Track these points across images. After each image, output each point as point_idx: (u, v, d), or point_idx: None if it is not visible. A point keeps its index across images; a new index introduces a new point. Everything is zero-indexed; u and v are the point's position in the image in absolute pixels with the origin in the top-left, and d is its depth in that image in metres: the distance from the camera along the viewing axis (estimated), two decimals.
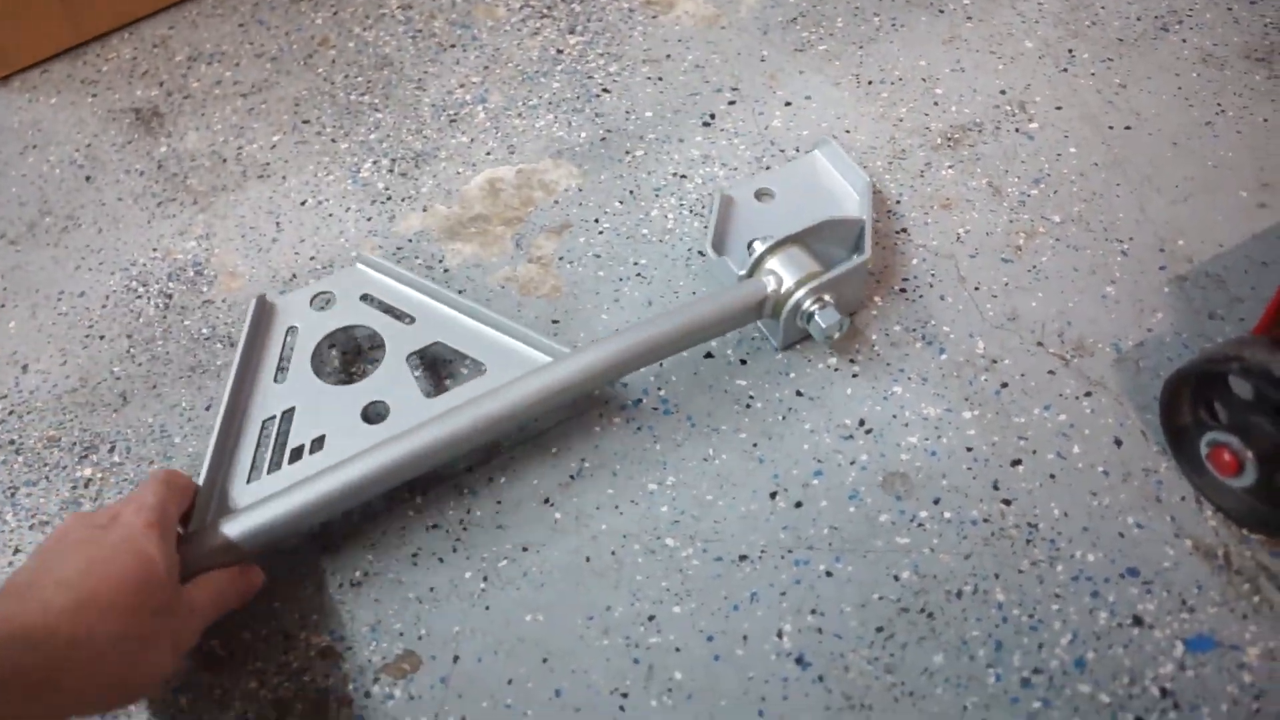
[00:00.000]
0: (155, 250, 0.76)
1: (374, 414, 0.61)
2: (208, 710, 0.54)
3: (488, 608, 0.56)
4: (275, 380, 0.62)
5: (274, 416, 0.61)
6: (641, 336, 0.59)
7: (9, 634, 0.41)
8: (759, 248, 0.62)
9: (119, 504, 0.51)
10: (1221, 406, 0.54)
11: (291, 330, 0.65)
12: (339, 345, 0.67)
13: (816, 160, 0.73)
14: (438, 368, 0.66)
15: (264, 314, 0.65)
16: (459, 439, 0.56)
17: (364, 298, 0.66)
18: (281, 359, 0.63)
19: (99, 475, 0.64)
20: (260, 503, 0.55)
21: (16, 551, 0.61)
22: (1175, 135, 0.73)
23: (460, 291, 0.70)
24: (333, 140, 0.81)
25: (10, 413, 0.68)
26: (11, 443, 0.66)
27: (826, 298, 0.60)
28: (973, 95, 0.78)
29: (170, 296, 0.73)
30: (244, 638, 0.57)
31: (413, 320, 0.64)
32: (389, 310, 0.65)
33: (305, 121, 0.83)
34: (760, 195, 0.71)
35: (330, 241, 0.74)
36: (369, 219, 0.75)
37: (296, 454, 0.59)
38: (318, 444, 0.59)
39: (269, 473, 0.58)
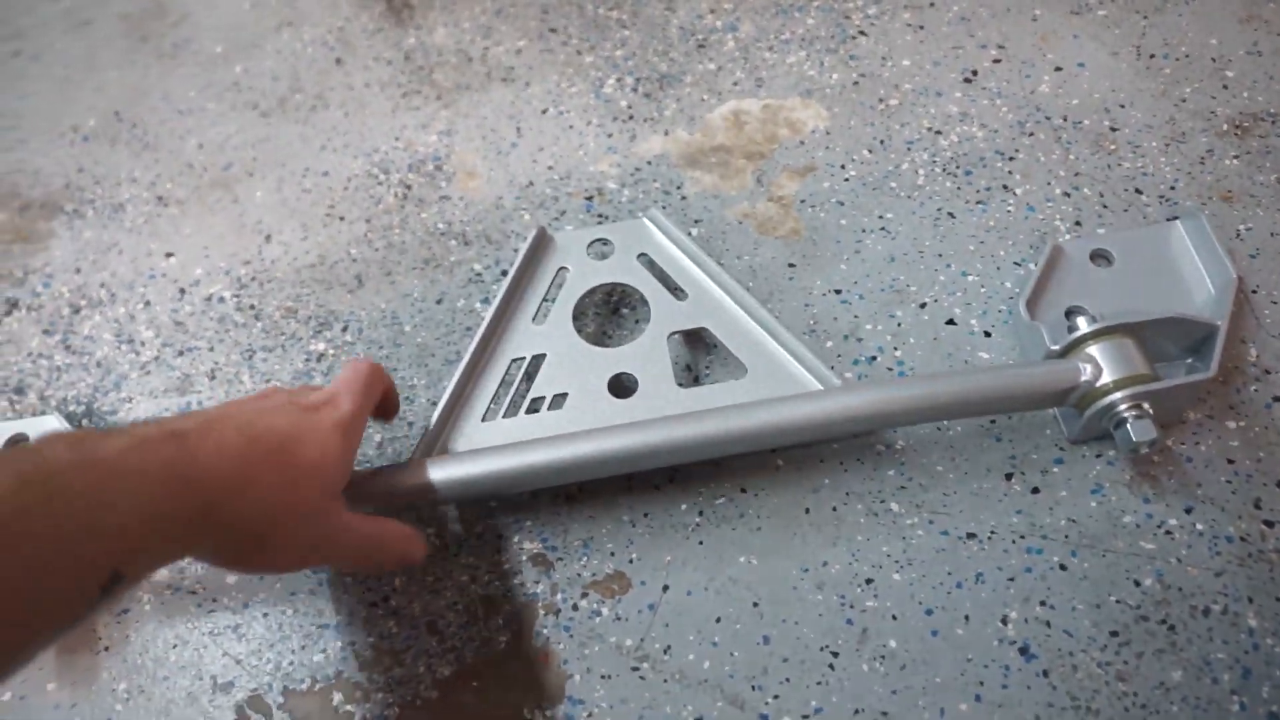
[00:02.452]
0: (398, 140, 0.77)
1: (622, 386, 0.59)
2: (420, 595, 0.56)
3: (701, 542, 0.56)
4: (534, 320, 0.61)
5: (524, 358, 0.60)
6: (922, 392, 0.53)
7: (181, 473, 0.41)
8: (1083, 325, 0.55)
9: (322, 393, 0.51)
10: None
11: (562, 271, 0.63)
12: (604, 300, 0.66)
13: (1174, 232, 0.63)
14: (697, 352, 0.63)
15: (540, 246, 0.64)
16: (704, 445, 0.53)
17: (641, 256, 0.64)
18: (545, 298, 0.62)
19: (331, 351, 0.66)
20: (480, 452, 0.54)
21: None
22: None
23: (697, 222, 0.69)
24: (578, 52, 0.80)
25: (253, 279, 0.70)
26: (252, 308, 0.69)
27: (1146, 406, 0.53)
28: (1269, 82, 0.71)
29: (409, 187, 0.74)
30: (456, 531, 0.58)
31: (685, 296, 0.61)
32: (663, 278, 0.62)
33: (552, 30, 0.82)
34: (1096, 257, 0.63)
35: (569, 154, 0.74)
36: (609, 135, 0.74)
37: (535, 405, 0.58)
38: (559, 400, 0.58)
39: (505, 416, 0.58)
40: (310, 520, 0.47)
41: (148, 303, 0.70)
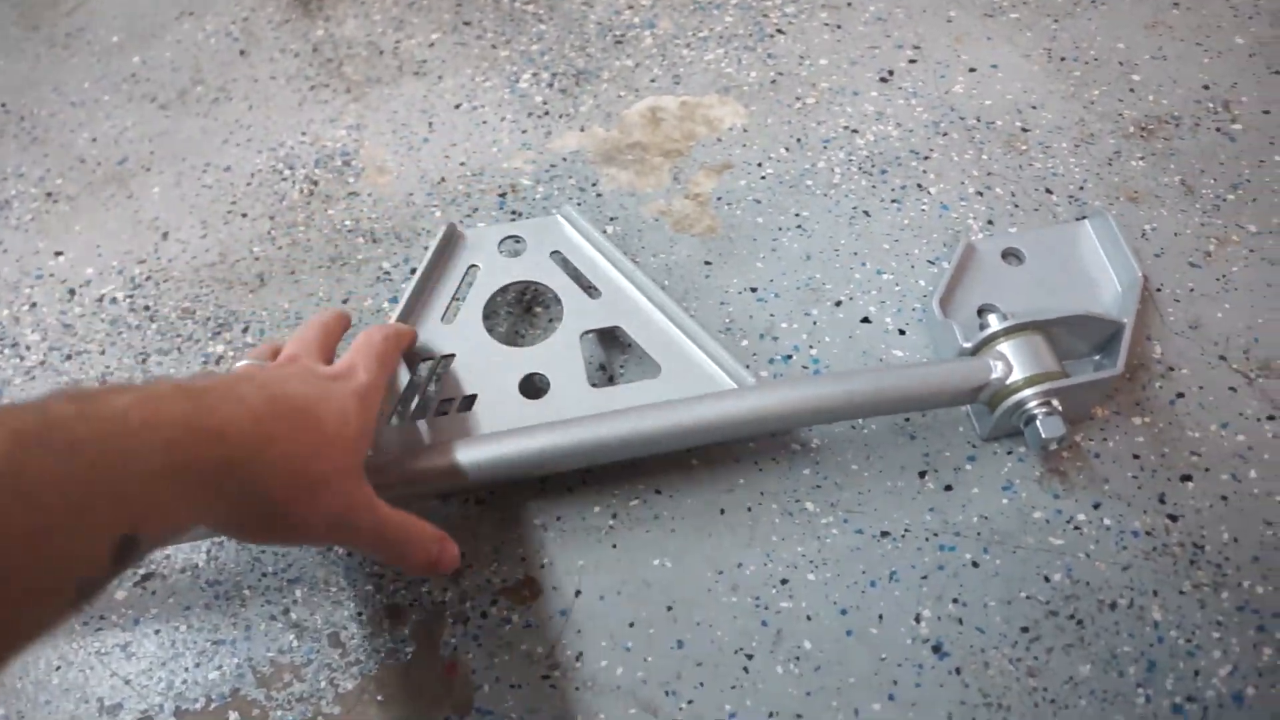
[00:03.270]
0: (304, 134, 0.74)
1: (534, 387, 0.57)
2: (321, 606, 0.54)
3: (615, 545, 0.55)
4: (443, 319, 0.60)
5: (432, 358, 0.58)
6: (838, 390, 0.53)
7: (197, 427, 0.38)
8: (994, 323, 0.56)
9: (340, 363, 0.49)
10: None
11: (473, 269, 0.62)
12: (516, 299, 0.64)
13: (1082, 231, 0.64)
14: (612, 352, 0.62)
15: (450, 243, 0.62)
16: (617, 446, 0.52)
17: (554, 254, 0.62)
18: (455, 297, 0.60)
19: (230, 353, 0.63)
20: (387, 456, 0.52)
21: None
22: None
23: (612, 219, 0.68)
24: (493, 46, 0.79)
25: (148, 278, 0.67)
26: (147, 309, 0.66)
27: (1055, 403, 0.53)
28: (1173, 86, 0.73)
29: (316, 183, 0.71)
30: None
31: (598, 294, 0.60)
32: (576, 276, 0.61)
33: (466, 23, 0.80)
34: (1007, 256, 0.63)
35: (483, 149, 0.72)
36: (524, 131, 0.73)
37: (444, 407, 0.56)
38: (468, 402, 0.56)
39: (414, 417, 0.56)
40: (332, 489, 0.43)
41: (34, 304, 0.67)
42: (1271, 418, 0.57)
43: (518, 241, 0.63)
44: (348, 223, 0.69)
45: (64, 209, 0.71)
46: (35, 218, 0.71)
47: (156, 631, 0.53)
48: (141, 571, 0.55)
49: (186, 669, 0.52)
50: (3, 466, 0.31)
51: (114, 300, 0.66)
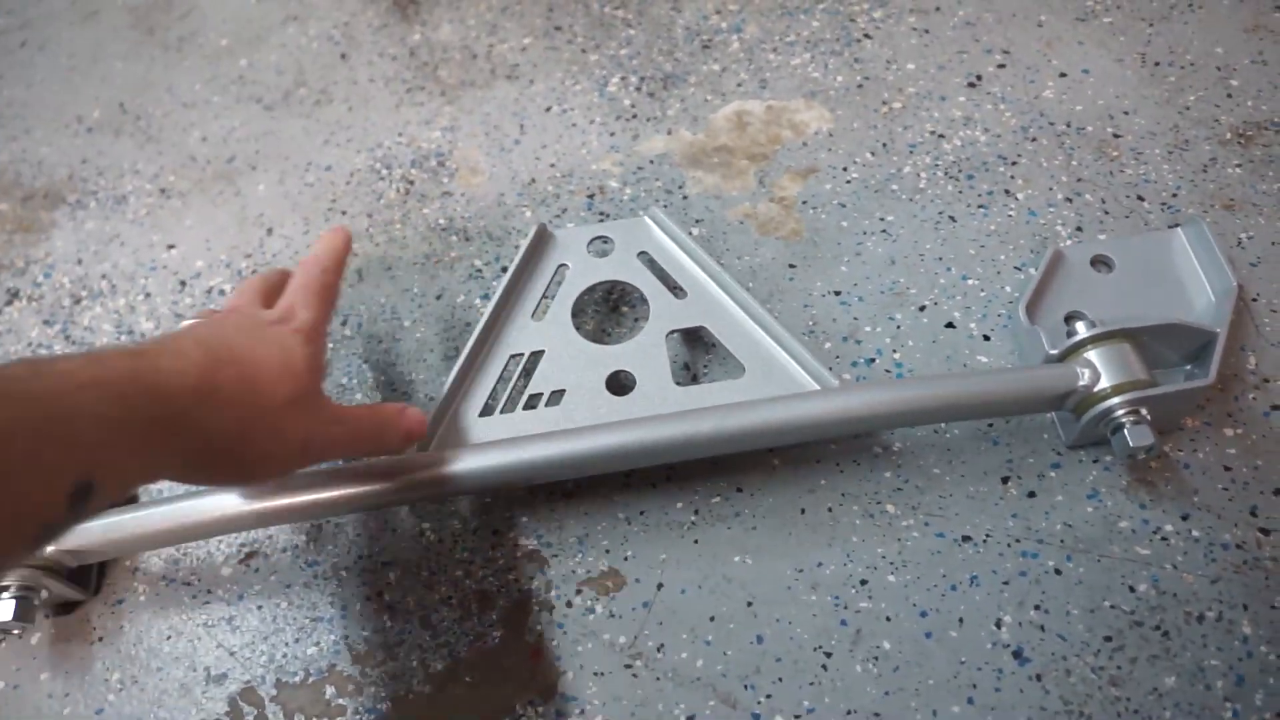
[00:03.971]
0: (401, 135, 0.77)
1: (620, 384, 0.59)
2: (413, 589, 0.56)
3: (696, 541, 0.56)
4: (533, 316, 0.61)
5: (523, 354, 0.60)
6: (922, 394, 0.53)
7: (143, 382, 0.40)
8: (1082, 330, 0.55)
9: (278, 308, 0.52)
10: None
11: (562, 268, 0.63)
12: (603, 298, 0.66)
13: (1175, 239, 0.63)
14: (695, 351, 0.63)
15: (541, 243, 0.64)
16: (701, 444, 0.53)
17: (641, 255, 0.64)
18: (545, 295, 0.62)
19: (330, 345, 0.66)
20: (479, 447, 0.54)
21: None
22: None
23: (698, 222, 0.69)
24: (583, 51, 0.80)
25: (253, 271, 0.70)
26: None
27: (1144, 412, 0.52)
28: (1273, 91, 0.71)
29: (412, 183, 0.74)
30: (454, 526, 0.58)
31: (684, 294, 0.61)
32: (663, 277, 0.62)
33: (557, 28, 0.82)
34: (1096, 263, 0.62)
35: (572, 151, 0.74)
36: (612, 134, 0.75)
37: (533, 401, 0.58)
38: (556, 397, 0.58)
39: (503, 411, 0.58)
40: (290, 417, 0.46)
41: (148, 294, 0.70)
42: None
43: (606, 242, 0.64)
44: (441, 221, 0.71)
45: (176, 204, 0.75)
46: (150, 212, 0.75)
47: (259, 607, 0.56)
48: (246, 550, 0.58)
49: (287, 644, 0.55)
50: None
51: (221, 292, 0.70)
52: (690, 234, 0.67)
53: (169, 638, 0.56)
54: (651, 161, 0.73)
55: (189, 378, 0.42)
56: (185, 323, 0.53)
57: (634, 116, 0.76)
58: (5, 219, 0.77)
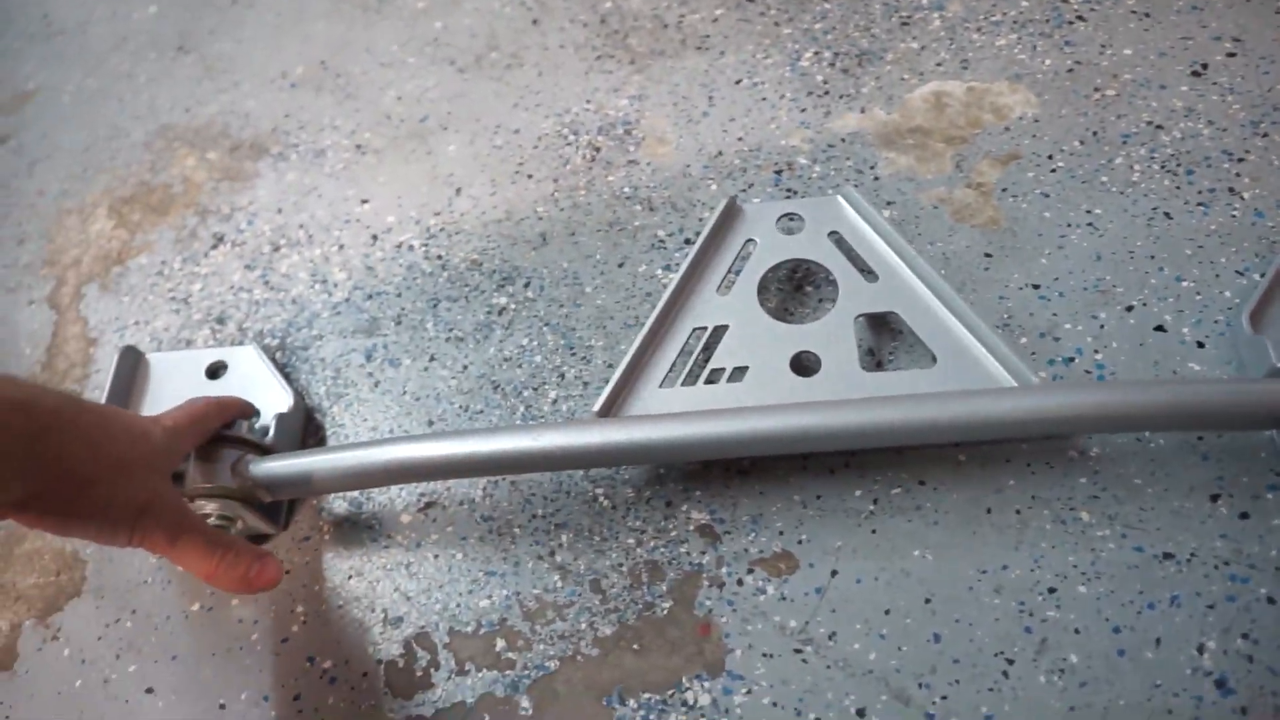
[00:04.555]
0: (589, 102, 0.77)
1: (804, 365, 0.58)
2: (584, 553, 0.56)
3: (874, 531, 0.54)
4: (718, 290, 0.61)
5: (706, 328, 0.59)
6: (1125, 399, 0.50)
7: (11, 397, 0.42)
8: None
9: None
10: None
11: (750, 243, 0.63)
12: (789, 276, 0.65)
13: None
14: (881, 337, 0.61)
15: (729, 217, 0.63)
16: (886, 433, 0.52)
17: (832, 234, 0.62)
18: (730, 269, 0.61)
19: (512, 306, 0.67)
20: (658, 418, 0.53)
21: (431, 359, 0.65)
22: None
23: (889, 204, 0.67)
24: (776, 24, 0.79)
25: (441, 229, 0.72)
26: (439, 257, 0.71)
27: None
28: None
29: (598, 150, 0.74)
30: (627, 494, 0.58)
31: (875, 278, 0.60)
32: (854, 258, 0.61)
33: (750, 0, 0.81)
34: None
35: (761, 126, 0.73)
36: (803, 110, 0.73)
37: (715, 376, 0.57)
38: (739, 373, 0.57)
39: (683, 384, 0.57)
40: (139, 477, 0.47)
41: (342, 246, 0.73)
42: None
43: (795, 219, 0.63)
44: (626, 190, 0.71)
45: (370, 161, 0.78)
46: (346, 167, 0.78)
47: (435, 556, 0.58)
48: (425, 500, 0.60)
49: (460, 594, 0.56)
50: None
51: (410, 248, 0.72)
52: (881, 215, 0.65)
53: (350, 578, 0.58)
54: (843, 140, 0.71)
55: (57, 400, 0.44)
56: None
57: (826, 93, 0.74)
58: (214, 167, 0.81)
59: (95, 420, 0.46)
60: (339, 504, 0.61)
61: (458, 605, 0.56)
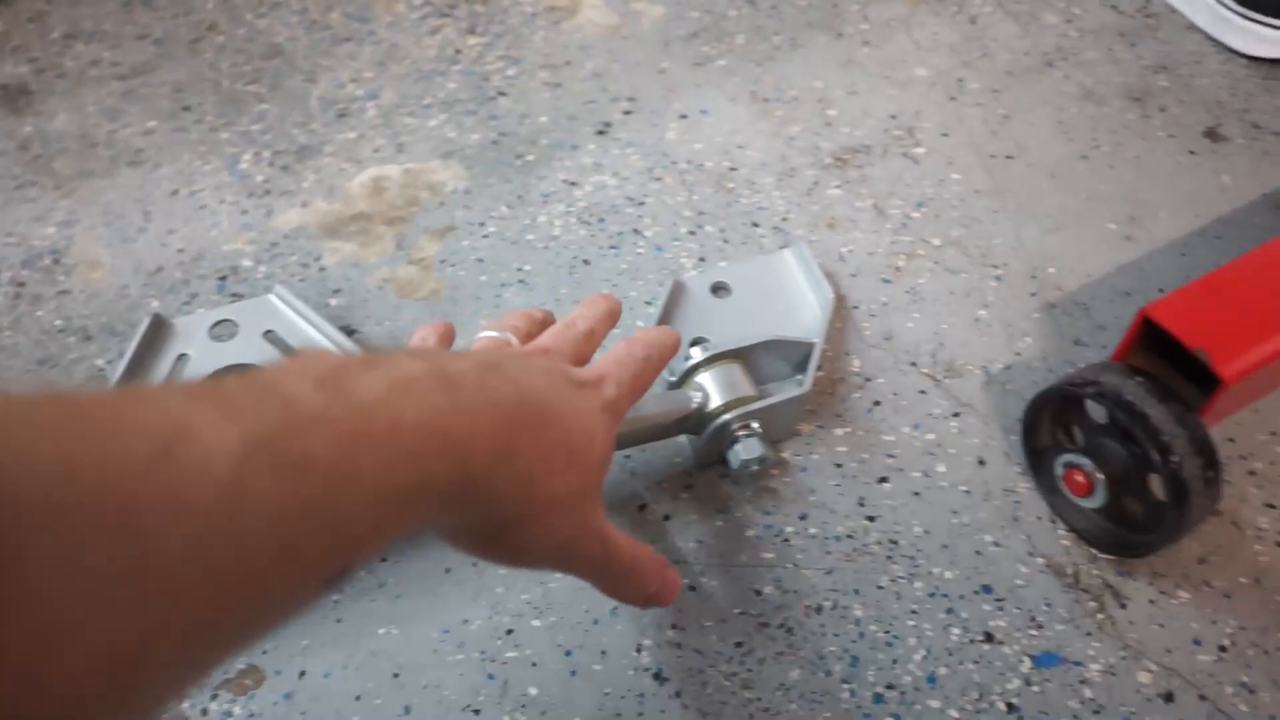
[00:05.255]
0: (10, 236, 0.72)
1: None
2: None
3: (339, 620, 0.54)
4: None
5: None
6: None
7: (444, 430, 0.32)
8: (696, 355, 0.58)
9: (593, 370, 0.43)
10: (1078, 429, 0.56)
11: (182, 359, 0.61)
12: None
13: (784, 261, 0.68)
14: None
15: (156, 334, 0.61)
16: None
17: (268, 334, 0.62)
18: None
19: None
20: None
21: None
22: (1053, 167, 0.75)
23: (337, 292, 0.68)
24: (213, 129, 0.78)
25: None
26: None
27: (755, 425, 0.56)
28: (864, 118, 0.79)
29: (22, 285, 0.69)
30: None
31: None
32: (291, 354, 0.61)
33: (185, 108, 0.80)
34: (716, 289, 0.66)
35: (202, 234, 0.71)
36: (244, 212, 0.73)
37: None
38: None
39: None
40: (565, 514, 0.38)
41: None
42: (956, 414, 0.62)
43: (229, 325, 0.62)
44: (58, 322, 0.67)
45: None
46: None
47: None
48: None
49: None
50: (227, 488, 0.24)
51: None
52: (329, 304, 0.66)
53: None
54: (286, 236, 0.71)
55: (492, 434, 0.34)
56: (488, 333, 0.46)
57: (268, 192, 0.74)
58: None
59: (530, 453, 0.35)
60: None
61: None
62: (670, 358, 0.49)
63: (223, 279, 0.69)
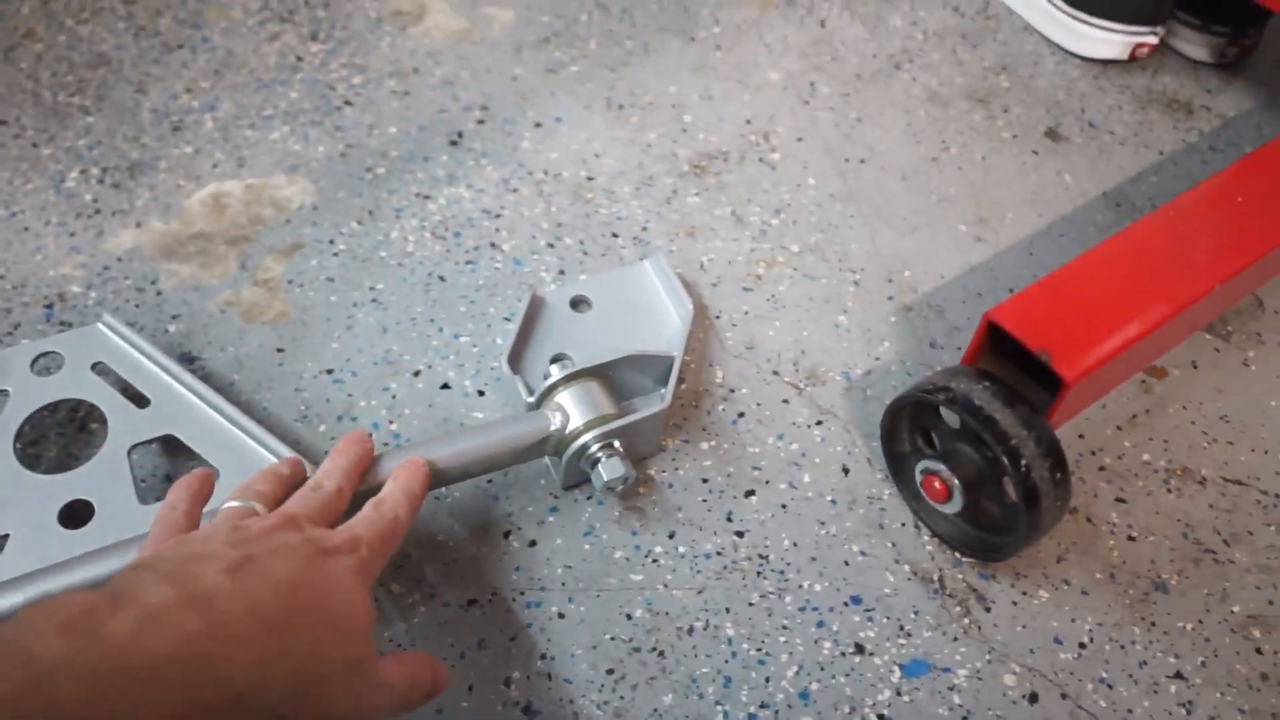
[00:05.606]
0: None
1: (77, 514, 0.53)
2: None
3: None
4: None
5: None
6: (397, 464, 0.51)
7: (204, 655, 0.33)
8: (555, 373, 0.57)
9: (342, 532, 0.43)
10: (936, 435, 0.57)
11: (2, 395, 0.56)
12: (66, 419, 0.59)
13: (644, 272, 0.67)
14: (178, 460, 0.57)
15: None
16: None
17: (96, 366, 0.58)
18: None
19: None
20: None
21: None
22: (904, 170, 0.77)
23: (175, 317, 0.64)
24: (34, 145, 0.73)
25: None
26: None
27: (616, 444, 0.55)
28: (720, 124, 0.79)
29: None
30: None
31: (147, 403, 0.56)
32: (123, 387, 0.57)
33: (1, 123, 0.74)
34: (576, 303, 0.65)
35: (25, 258, 0.66)
36: (72, 234, 0.68)
37: None
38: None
39: None
40: (349, 680, 0.39)
41: None
42: (820, 422, 0.62)
43: (53, 358, 0.58)
44: None
45: None
46: None
47: None
48: None
49: None
50: None
51: None
52: (167, 331, 0.63)
53: None
54: (119, 259, 0.67)
55: (260, 641, 0.35)
56: (233, 504, 0.44)
57: (98, 211, 0.69)
58: None
59: (301, 645, 0.36)
60: None
61: None
62: (423, 494, 0.49)
63: (49, 306, 0.64)
